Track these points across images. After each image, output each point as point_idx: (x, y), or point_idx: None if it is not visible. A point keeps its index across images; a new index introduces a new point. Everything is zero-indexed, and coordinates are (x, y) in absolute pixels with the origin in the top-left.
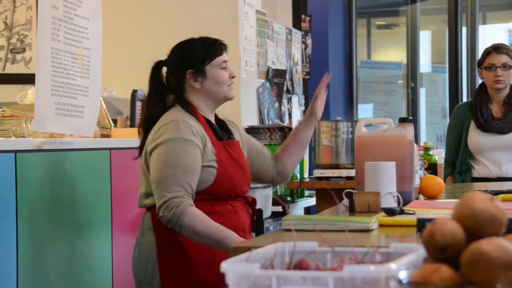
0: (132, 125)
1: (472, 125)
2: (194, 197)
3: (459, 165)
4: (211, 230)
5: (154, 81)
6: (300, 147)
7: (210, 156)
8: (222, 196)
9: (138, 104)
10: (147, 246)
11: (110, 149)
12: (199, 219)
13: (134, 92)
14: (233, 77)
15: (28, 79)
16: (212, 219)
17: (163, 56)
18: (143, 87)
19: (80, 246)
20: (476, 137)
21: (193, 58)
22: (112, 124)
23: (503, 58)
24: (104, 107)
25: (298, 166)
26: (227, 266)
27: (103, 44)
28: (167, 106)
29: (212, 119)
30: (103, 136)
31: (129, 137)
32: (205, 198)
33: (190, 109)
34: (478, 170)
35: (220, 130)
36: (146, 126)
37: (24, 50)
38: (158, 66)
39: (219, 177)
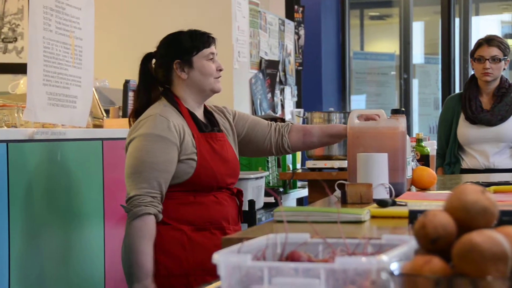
0: (124, 115)
1: (462, 117)
2: (164, 193)
3: (448, 157)
4: (139, 252)
5: (143, 73)
6: (320, 142)
7: (190, 149)
8: (204, 188)
9: (131, 94)
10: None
11: (102, 139)
12: (140, 233)
13: (127, 82)
14: (220, 70)
15: (20, 68)
16: (195, 209)
17: (155, 47)
18: (136, 77)
19: (73, 236)
20: (464, 129)
21: (181, 48)
22: (105, 114)
23: (493, 51)
24: (97, 97)
25: (291, 157)
26: (219, 258)
27: (95, 33)
28: (153, 98)
29: (199, 112)
30: (95, 126)
31: (121, 127)
32: (186, 189)
33: (175, 101)
34: (467, 162)
35: (203, 123)
36: (135, 117)
37: (15, 40)
38: (147, 58)
39: (199, 169)
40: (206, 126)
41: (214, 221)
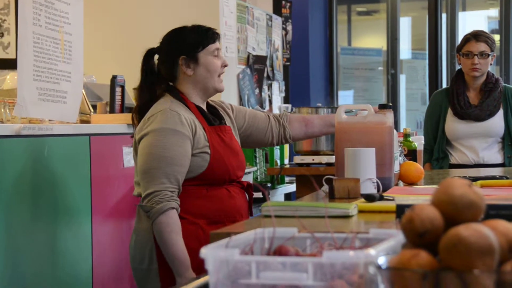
0: (111, 111)
1: (449, 112)
2: (181, 187)
3: (436, 152)
4: (173, 246)
5: (146, 69)
6: (321, 132)
7: (203, 143)
8: (217, 181)
9: (118, 90)
10: (143, 232)
11: (89, 135)
12: (169, 228)
13: (114, 77)
14: (225, 65)
15: (6, 64)
16: (208, 203)
17: (143, 42)
18: (123, 73)
19: (60, 232)
20: (453, 125)
21: (186, 44)
22: (92, 110)
23: (481, 46)
24: (84, 92)
25: (278, 152)
26: (206, 252)
27: (83, 29)
28: (157, 94)
29: (204, 106)
30: (82, 122)
31: (108, 123)
32: (200, 183)
33: (180, 97)
34: (455, 157)
35: (211, 116)
36: (139, 114)
37: (2, 35)
38: (149, 54)
39: (212, 162)
40: (214, 119)
41: (228, 214)
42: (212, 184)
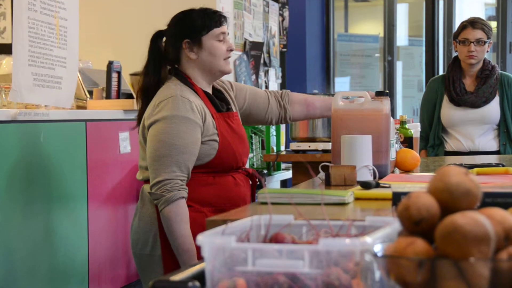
0: (108, 96)
1: (445, 99)
2: (190, 175)
3: (432, 139)
4: (181, 237)
5: (153, 51)
6: (322, 115)
7: (212, 130)
8: (224, 169)
9: (114, 75)
10: (147, 218)
11: (85, 120)
12: (179, 218)
13: (110, 63)
14: (231, 50)
15: (2, 49)
16: (214, 191)
17: (139, 27)
18: (119, 59)
19: (56, 218)
20: (448, 111)
21: (190, 27)
22: (88, 96)
23: (478, 34)
24: (80, 78)
25: (275, 139)
26: (203, 239)
27: (79, 14)
28: (162, 77)
29: (210, 91)
30: (78, 107)
31: (105, 109)
32: (207, 170)
33: (188, 82)
34: (450, 144)
35: (219, 102)
36: (144, 95)
37: None
38: (157, 35)
39: (221, 150)
40: (222, 105)
41: (233, 202)
42: (219, 171)
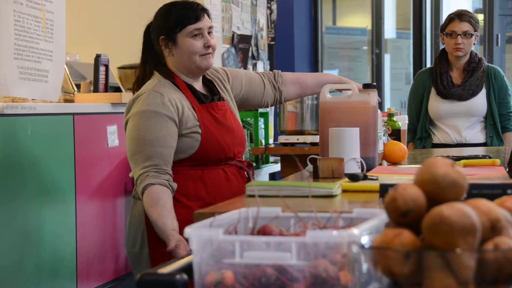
0: (95, 90)
1: (433, 91)
2: (170, 170)
3: (419, 132)
4: (154, 221)
5: (145, 43)
6: (313, 92)
7: (192, 122)
8: (211, 161)
9: (102, 68)
10: (137, 216)
11: (73, 114)
12: (147, 204)
13: (98, 56)
14: (208, 46)
15: None
16: (203, 185)
17: (127, 21)
18: (107, 52)
19: (43, 212)
20: (436, 104)
21: (166, 24)
22: (76, 89)
23: (465, 26)
24: (67, 71)
25: (263, 132)
26: (190, 231)
27: (66, 7)
28: (147, 72)
29: (197, 84)
30: (66, 101)
31: (92, 102)
32: (194, 163)
33: (169, 75)
34: (438, 136)
35: (203, 94)
36: (138, 88)
37: None
38: (149, 28)
39: (204, 141)
40: (206, 96)
41: (224, 197)
42: (207, 164)
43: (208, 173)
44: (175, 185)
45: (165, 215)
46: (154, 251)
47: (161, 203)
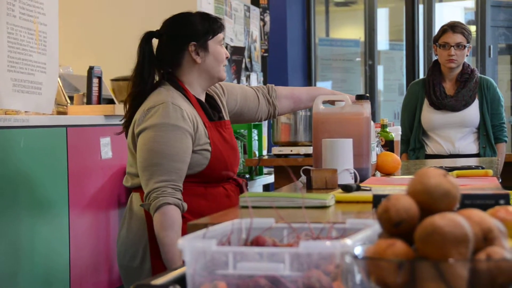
0: (89, 102)
1: (426, 102)
2: (183, 181)
3: (413, 142)
4: (165, 245)
5: (144, 53)
6: (306, 106)
7: (203, 140)
8: (215, 179)
9: (95, 81)
10: (136, 229)
11: (66, 126)
12: (162, 225)
13: (91, 68)
14: (227, 57)
15: None
16: (206, 202)
17: (120, 33)
18: (100, 64)
19: (37, 225)
20: (429, 115)
21: (197, 30)
22: (69, 101)
23: (458, 38)
24: (60, 83)
25: (257, 143)
26: (183, 243)
27: (59, 19)
28: (154, 82)
29: (203, 98)
30: (59, 113)
31: (85, 114)
32: (199, 180)
33: (181, 87)
34: (431, 147)
35: (211, 110)
36: (133, 100)
37: None
38: (148, 37)
39: (213, 160)
40: (214, 114)
41: None
42: (211, 181)
43: (211, 190)
44: (186, 206)
45: (175, 247)
46: (157, 267)
47: (175, 228)
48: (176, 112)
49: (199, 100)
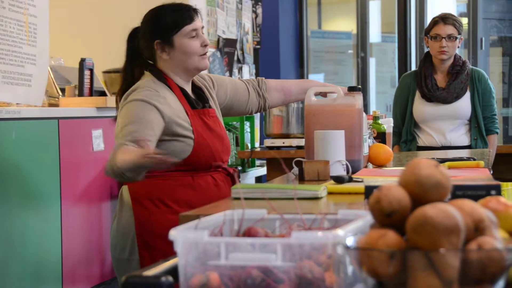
0: (80, 94)
1: (417, 94)
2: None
3: (404, 135)
4: (126, 159)
5: (130, 50)
6: (297, 99)
7: (186, 127)
8: (202, 167)
9: (87, 73)
10: (125, 221)
11: (58, 118)
12: (118, 155)
13: (82, 60)
14: (205, 45)
15: None
16: (193, 192)
17: (111, 24)
18: (91, 56)
19: (28, 217)
20: (420, 107)
21: (160, 27)
22: (60, 93)
23: (449, 29)
24: (52, 75)
25: (249, 135)
26: (175, 234)
27: (50, 11)
28: (137, 76)
29: (188, 88)
30: (50, 105)
31: (77, 107)
32: (185, 169)
33: (163, 78)
34: (423, 139)
35: (195, 99)
36: (123, 95)
37: None
38: (133, 33)
39: (197, 147)
40: (197, 102)
41: (212, 203)
42: (197, 170)
43: (198, 180)
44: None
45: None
46: (145, 258)
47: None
48: (150, 92)
49: (182, 89)
